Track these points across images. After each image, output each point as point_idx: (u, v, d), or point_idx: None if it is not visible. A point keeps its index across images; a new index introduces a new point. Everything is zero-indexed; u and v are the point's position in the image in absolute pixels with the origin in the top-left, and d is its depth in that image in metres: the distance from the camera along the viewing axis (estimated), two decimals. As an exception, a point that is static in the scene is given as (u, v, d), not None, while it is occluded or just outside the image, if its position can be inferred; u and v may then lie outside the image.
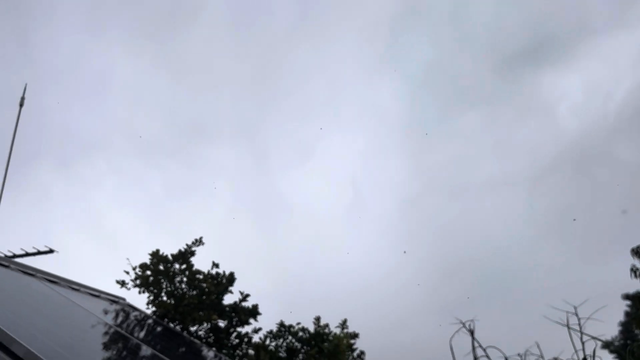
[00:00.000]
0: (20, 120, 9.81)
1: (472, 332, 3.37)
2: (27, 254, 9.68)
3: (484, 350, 3.34)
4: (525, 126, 19.40)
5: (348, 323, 10.71)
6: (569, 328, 3.34)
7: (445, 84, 19.41)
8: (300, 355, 10.47)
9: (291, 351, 10.49)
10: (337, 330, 10.56)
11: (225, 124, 21.62)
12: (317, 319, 11.01)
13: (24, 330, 3.94)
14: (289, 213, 21.51)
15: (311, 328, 10.76)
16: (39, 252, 9.80)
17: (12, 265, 7.16)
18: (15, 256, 9.51)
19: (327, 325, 10.94)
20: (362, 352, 10.50)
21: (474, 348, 3.35)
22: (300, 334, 10.65)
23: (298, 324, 10.87)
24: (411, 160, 20.12)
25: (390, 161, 20.14)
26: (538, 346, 3.33)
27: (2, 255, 8.94)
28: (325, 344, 10.12)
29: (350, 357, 10.46)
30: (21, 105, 10.08)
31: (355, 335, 10.68)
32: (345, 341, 10.03)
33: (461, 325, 3.38)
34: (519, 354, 3.39)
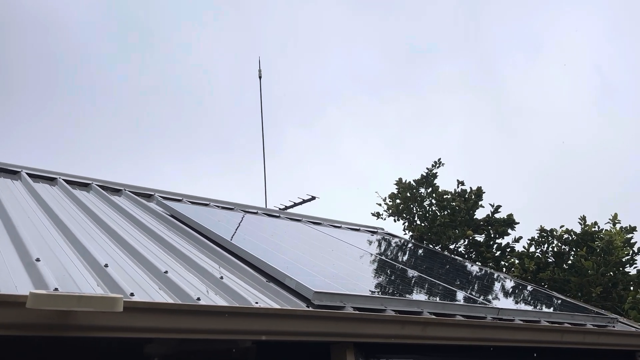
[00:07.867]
0: (262, 91, 11.13)
1: None
2: (294, 204, 11.09)
3: None
4: None
5: (619, 217, 9.70)
6: None
7: None
8: (570, 258, 9.92)
9: (558, 255, 10.01)
10: (608, 227, 9.67)
11: (440, 42, 20.94)
12: (583, 218, 10.25)
13: (293, 267, 4.61)
14: (529, 115, 20.05)
15: (576, 229, 10.08)
16: (304, 201, 11.14)
17: (281, 215, 8.35)
18: (285, 208, 11.00)
19: (595, 223, 10.11)
20: (644, 246, 9.45)
21: None
22: (566, 236, 10.06)
23: (561, 226, 10.30)
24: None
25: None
26: None
27: (275, 208, 10.45)
28: (596, 242, 9.37)
29: (631, 252, 9.50)
30: (260, 77, 11.39)
31: (632, 229, 9.64)
32: (619, 237, 9.13)
33: None
34: None
